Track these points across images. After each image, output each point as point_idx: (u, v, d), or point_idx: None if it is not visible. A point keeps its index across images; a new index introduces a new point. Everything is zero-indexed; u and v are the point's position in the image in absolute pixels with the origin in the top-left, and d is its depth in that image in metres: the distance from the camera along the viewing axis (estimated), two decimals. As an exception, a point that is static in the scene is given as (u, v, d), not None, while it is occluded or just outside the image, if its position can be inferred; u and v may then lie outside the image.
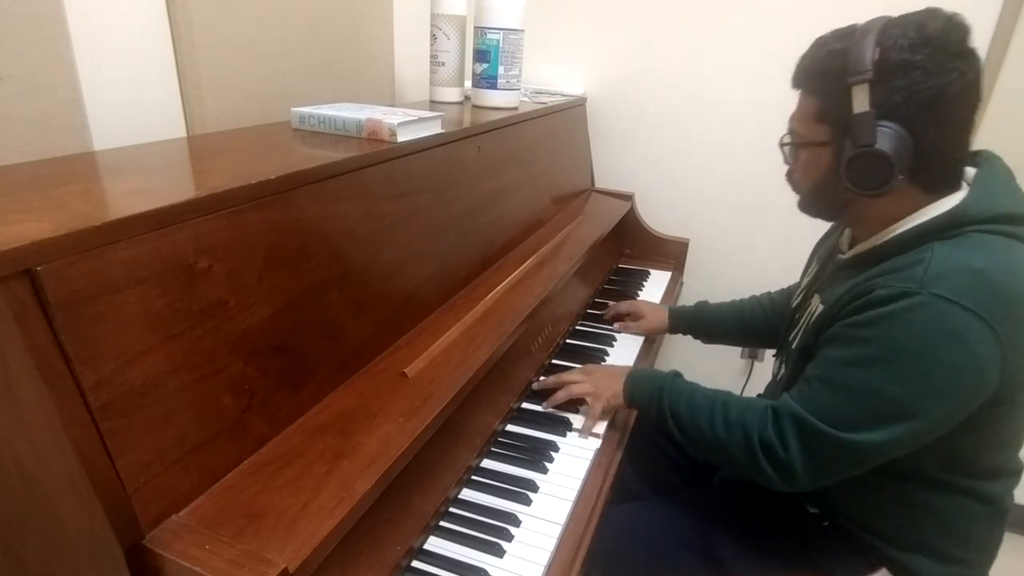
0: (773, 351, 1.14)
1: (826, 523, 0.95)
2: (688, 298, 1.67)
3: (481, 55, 1.40)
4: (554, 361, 1.26)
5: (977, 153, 0.85)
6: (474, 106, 1.44)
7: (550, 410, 1.10)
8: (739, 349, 1.91)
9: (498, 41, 1.37)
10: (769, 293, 1.31)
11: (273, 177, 0.69)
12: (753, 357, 1.91)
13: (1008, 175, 0.85)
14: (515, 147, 1.36)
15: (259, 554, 0.54)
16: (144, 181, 0.68)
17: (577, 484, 0.94)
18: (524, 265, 1.23)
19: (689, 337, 1.43)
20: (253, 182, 0.66)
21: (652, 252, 1.85)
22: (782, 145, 0.92)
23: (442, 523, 0.85)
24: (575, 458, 0.99)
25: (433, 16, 1.41)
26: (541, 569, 0.80)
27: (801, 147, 0.89)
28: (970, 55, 0.76)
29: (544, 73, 1.85)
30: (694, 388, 0.98)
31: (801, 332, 0.96)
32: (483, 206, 1.19)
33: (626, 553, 1.02)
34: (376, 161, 0.87)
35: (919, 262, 0.77)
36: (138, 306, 0.54)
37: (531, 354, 1.18)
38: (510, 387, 1.09)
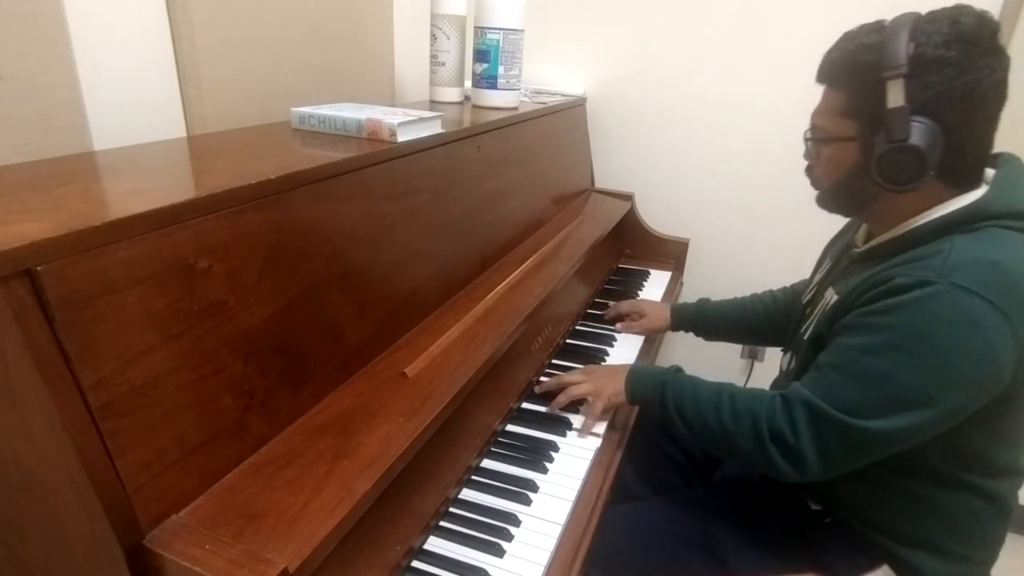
0: (776, 349, 1.14)
1: (828, 520, 0.95)
2: (688, 298, 1.67)
3: (481, 55, 1.40)
4: (554, 361, 1.26)
5: (997, 155, 0.86)
6: (474, 106, 1.44)
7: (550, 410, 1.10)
8: (739, 349, 1.92)
9: (498, 41, 1.37)
10: (772, 291, 1.31)
11: (273, 177, 0.69)
12: (753, 357, 1.91)
13: None
14: (515, 147, 1.36)
15: (259, 554, 0.54)
16: (144, 181, 0.68)
17: (577, 484, 0.94)
18: (524, 265, 1.23)
19: (690, 336, 1.43)
20: (253, 182, 0.66)
21: (652, 252, 1.85)
22: (806, 140, 0.92)
23: (442, 523, 0.85)
24: (575, 458, 0.99)
25: (433, 16, 1.41)
26: (541, 569, 0.80)
27: (825, 142, 0.88)
28: (1000, 52, 0.77)
29: (544, 73, 1.85)
30: (697, 381, 0.97)
31: (814, 323, 0.96)
32: (483, 206, 1.19)
33: (627, 552, 1.02)
34: (376, 161, 0.87)
35: (939, 252, 0.78)
36: (138, 306, 0.54)
37: (531, 354, 1.18)
38: (510, 387, 1.09)
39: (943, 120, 0.77)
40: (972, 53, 0.75)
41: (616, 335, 1.40)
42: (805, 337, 0.98)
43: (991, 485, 0.86)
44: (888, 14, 0.82)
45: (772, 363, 1.85)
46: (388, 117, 0.94)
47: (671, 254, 1.84)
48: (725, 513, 1.02)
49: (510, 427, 1.05)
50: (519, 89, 1.47)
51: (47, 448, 0.50)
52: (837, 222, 1.08)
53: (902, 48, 0.76)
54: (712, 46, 1.68)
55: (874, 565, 0.91)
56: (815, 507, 0.97)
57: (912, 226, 0.85)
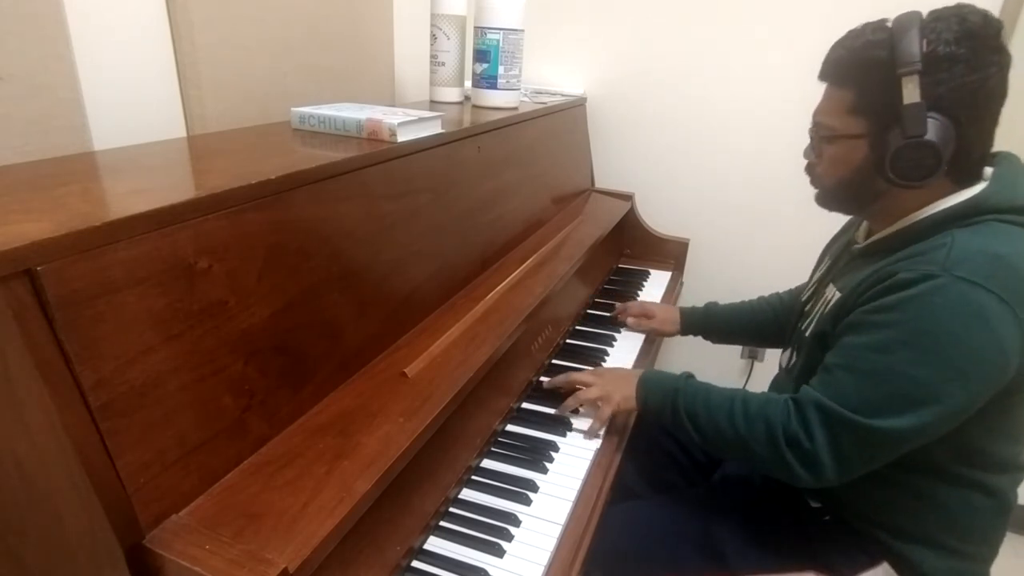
0: (777, 349, 1.14)
1: (828, 517, 0.95)
2: (688, 298, 1.68)
3: (481, 55, 1.40)
4: (554, 361, 1.26)
5: (995, 153, 0.86)
6: (474, 106, 1.44)
7: (550, 410, 1.09)
8: (739, 349, 1.91)
9: (498, 41, 1.37)
10: (778, 293, 1.31)
11: (273, 177, 0.69)
12: (753, 357, 1.91)
13: None
14: (515, 147, 1.36)
15: (259, 554, 0.54)
16: (144, 181, 0.68)
17: (577, 484, 0.94)
18: (524, 265, 1.23)
19: (689, 336, 1.43)
20: (253, 182, 0.66)
21: (652, 252, 1.85)
22: (812, 137, 0.92)
23: (442, 523, 0.85)
24: (575, 458, 0.99)
25: (433, 16, 1.41)
26: (541, 569, 0.80)
27: (831, 140, 0.88)
28: (1004, 50, 0.78)
29: (544, 73, 1.85)
30: (709, 388, 0.97)
31: (815, 319, 0.96)
32: (483, 206, 1.19)
33: (627, 551, 1.02)
34: (376, 161, 0.87)
35: (941, 246, 0.78)
36: (138, 306, 0.54)
37: (531, 354, 1.18)
38: (510, 387, 1.09)
39: (954, 116, 0.78)
40: (981, 50, 0.76)
41: (616, 335, 1.40)
42: (807, 334, 0.98)
43: (991, 481, 0.86)
44: (889, 14, 0.82)
45: (772, 363, 1.84)
46: (388, 117, 0.94)
47: (671, 254, 1.84)
48: (725, 512, 1.02)
49: (510, 427, 1.05)
50: (519, 89, 1.47)
51: (47, 448, 0.50)
52: (837, 222, 1.09)
53: (915, 45, 0.76)
54: (712, 46, 1.68)
55: (874, 562, 0.91)
56: (815, 505, 0.97)
57: (913, 220, 0.85)
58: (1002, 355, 0.75)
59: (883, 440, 0.79)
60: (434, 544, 0.82)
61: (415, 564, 0.78)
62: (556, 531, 0.85)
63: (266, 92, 1.24)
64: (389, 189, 0.90)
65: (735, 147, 1.74)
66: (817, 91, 0.90)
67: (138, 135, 0.93)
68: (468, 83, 1.49)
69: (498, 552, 0.81)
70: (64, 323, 0.48)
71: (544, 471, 0.96)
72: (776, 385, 1.11)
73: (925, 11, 0.80)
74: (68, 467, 0.50)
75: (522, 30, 1.40)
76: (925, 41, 0.77)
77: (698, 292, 1.85)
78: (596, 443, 1.03)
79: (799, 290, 1.26)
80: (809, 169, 0.95)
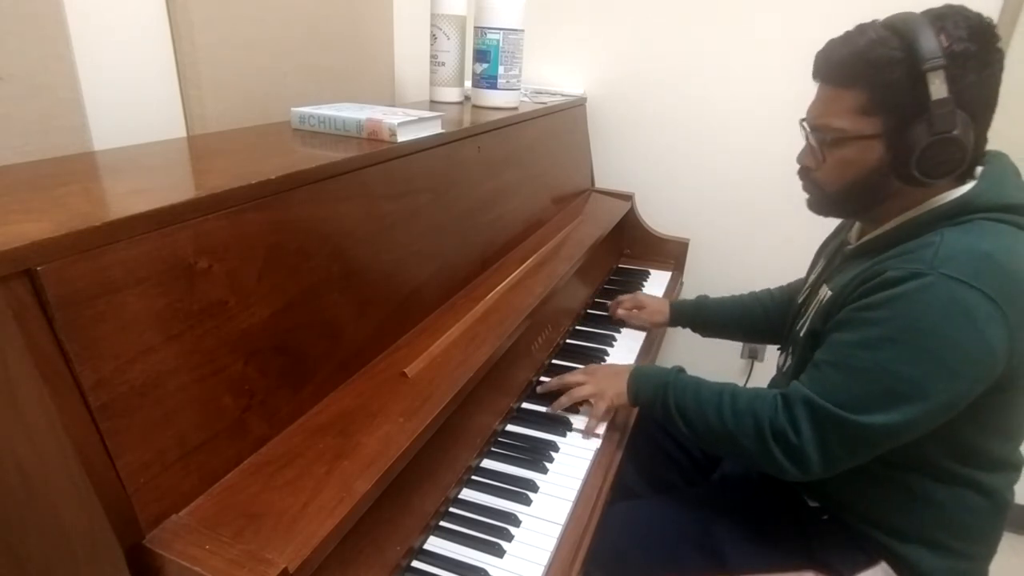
0: (776, 348, 1.14)
1: (826, 517, 0.95)
2: (688, 298, 1.67)
3: (481, 55, 1.40)
4: (554, 361, 1.26)
5: (984, 152, 0.87)
6: (474, 106, 1.44)
7: (550, 410, 1.10)
8: (739, 349, 1.92)
9: (498, 41, 1.37)
10: (769, 290, 1.31)
11: (273, 177, 0.69)
12: (753, 357, 1.91)
13: (1015, 171, 0.87)
14: (515, 147, 1.36)
15: (259, 554, 0.54)
16: (144, 181, 0.68)
17: (577, 484, 0.94)
18: (524, 265, 1.23)
19: (690, 336, 1.43)
20: (253, 182, 0.66)
21: (652, 252, 1.85)
22: (824, 143, 0.88)
23: (442, 523, 0.85)
24: (575, 458, 0.99)
25: (433, 16, 1.41)
26: (541, 569, 0.80)
27: (839, 143, 0.86)
28: (1000, 48, 0.79)
29: (544, 73, 1.85)
30: (699, 381, 0.97)
31: (809, 320, 0.97)
32: (483, 206, 1.19)
33: (627, 551, 1.02)
34: (376, 161, 0.87)
35: (929, 245, 0.79)
36: (138, 306, 0.54)
37: (531, 354, 1.18)
38: (510, 387, 1.09)
39: (972, 111, 0.78)
40: (990, 46, 0.77)
41: (616, 335, 1.40)
42: (801, 334, 0.98)
43: (987, 479, 0.87)
44: (887, 14, 0.82)
45: (772, 363, 1.84)
46: (388, 117, 0.94)
47: (671, 254, 1.84)
48: (725, 511, 1.02)
49: (510, 427, 1.05)
50: (519, 89, 1.47)
51: (47, 448, 0.50)
52: (836, 222, 1.09)
53: (934, 41, 0.76)
54: (712, 46, 1.68)
55: (872, 562, 0.91)
56: (813, 504, 0.97)
57: (903, 220, 0.86)
58: (989, 353, 0.75)
59: (869, 435, 0.79)
60: (434, 544, 0.82)
61: (415, 564, 0.79)
62: (556, 531, 0.85)
63: (266, 92, 1.24)
64: (389, 189, 0.90)
65: (735, 147, 1.74)
66: (815, 91, 0.89)
67: (138, 135, 0.93)
68: (468, 83, 1.49)
69: (498, 552, 0.81)
70: (64, 323, 0.48)
71: (544, 471, 0.96)
72: (773, 386, 1.11)
73: (918, 12, 0.80)
74: (68, 467, 0.50)
75: (522, 30, 1.40)
76: (943, 36, 0.76)
77: (698, 292, 1.84)
78: (596, 443, 1.03)
79: (791, 287, 1.27)
80: (804, 174, 0.93)
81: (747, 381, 1.94)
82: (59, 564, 0.58)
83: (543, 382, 1.14)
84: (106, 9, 0.95)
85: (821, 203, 0.93)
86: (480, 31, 1.38)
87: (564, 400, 1.07)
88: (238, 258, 0.64)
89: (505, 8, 1.36)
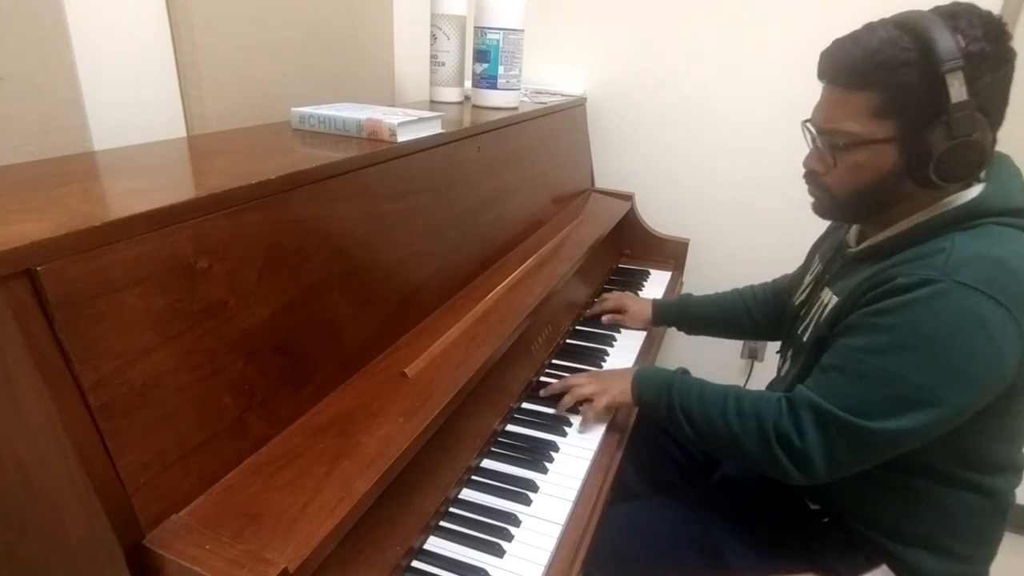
0: (776, 351, 1.14)
1: (827, 519, 0.95)
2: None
3: (481, 55, 1.40)
4: (554, 361, 1.26)
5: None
6: (474, 106, 1.44)
7: (550, 410, 1.10)
8: (739, 349, 1.92)
9: (498, 41, 1.37)
10: (752, 287, 1.32)
11: (273, 177, 0.69)
12: (753, 357, 1.91)
13: (1019, 173, 0.86)
14: (515, 147, 1.36)
15: (259, 554, 0.54)
16: (144, 181, 0.68)
17: (577, 484, 0.94)
18: (524, 265, 1.23)
19: (690, 337, 1.43)
20: (253, 182, 0.66)
21: (652, 252, 1.85)
22: (834, 147, 0.86)
23: (442, 523, 0.85)
24: (575, 458, 0.99)
25: (433, 16, 1.41)
26: (541, 569, 0.80)
27: (851, 148, 0.83)
28: (1011, 45, 0.78)
29: (544, 73, 1.85)
30: (703, 383, 0.97)
31: (812, 324, 0.96)
32: (483, 206, 1.19)
33: (627, 551, 1.02)
34: (376, 161, 0.87)
35: (940, 251, 0.77)
36: (138, 306, 0.54)
37: (531, 354, 1.18)
38: (510, 387, 1.09)
39: (988, 112, 0.77)
40: (1003, 45, 0.76)
41: (616, 335, 1.40)
42: (804, 339, 0.97)
43: (989, 482, 0.86)
44: (888, 14, 0.82)
45: (772, 363, 1.84)
46: (388, 117, 0.94)
47: (671, 254, 1.84)
48: (725, 512, 1.02)
49: (510, 427, 1.05)
50: (519, 89, 1.47)
51: (47, 448, 0.50)
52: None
53: (950, 42, 0.74)
54: (712, 46, 1.68)
55: (873, 564, 0.91)
56: (814, 506, 0.97)
57: (910, 224, 0.85)
58: (1001, 360, 0.75)
59: (877, 441, 0.79)
60: (434, 544, 0.82)
61: (415, 564, 0.78)
62: (556, 531, 0.85)
63: (266, 92, 1.24)
64: (389, 189, 0.90)
65: (735, 147, 1.74)
66: (817, 90, 0.88)
67: (138, 135, 0.93)
68: (468, 83, 1.49)
69: (498, 552, 0.81)
70: (64, 323, 0.48)
71: (544, 471, 0.96)
72: (772, 389, 1.11)
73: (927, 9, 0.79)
74: (68, 467, 0.50)
75: (522, 30, 1.40)
76: (960, 36, 0.74)
77: (698, 292, 1.85)
78: (596, 443, 1.03)
79: (777, 284, 1.27)
80: (812, 179, 0.91)
81: (747, 381, 1.94)
82: (59, 564, 0.58)
83: (544, 383, 1.14)
84: (106, 9, 0.95)
85: (830, 208, 0.91)
86: (480, 31, 1.38)
87: (568, 400, 1.07)
88: (238, 258, 0.64)
89: (505, 8, 1.36)
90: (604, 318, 1.43)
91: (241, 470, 0.64)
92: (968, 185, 0.83)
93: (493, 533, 0.84)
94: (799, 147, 0.95)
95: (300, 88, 1.33)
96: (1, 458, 0.54)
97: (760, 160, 1.72)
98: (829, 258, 1.02)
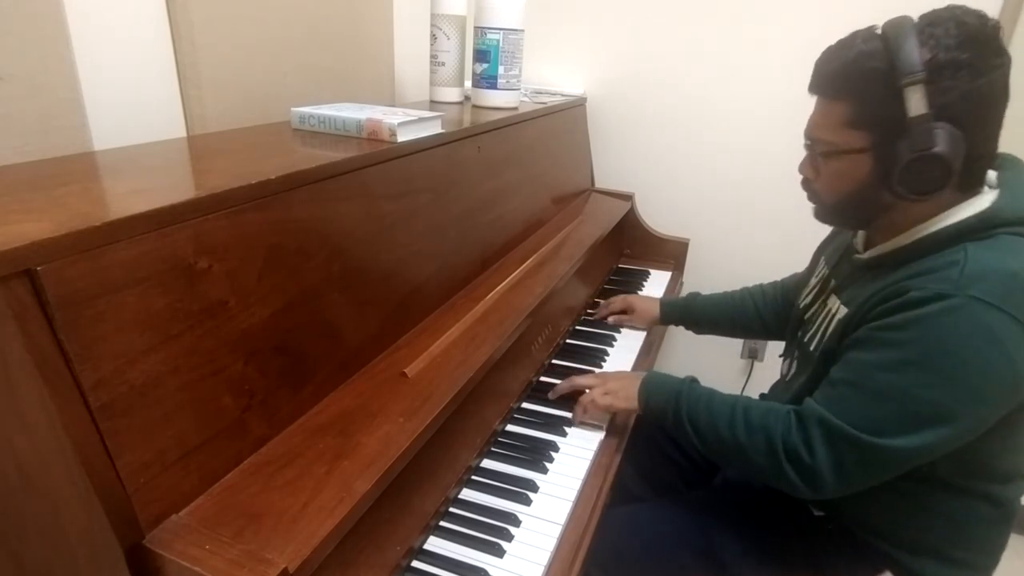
0: (777, 350, 1.13)
1: (831, 526, 0.95)
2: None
3: (481, 55, 1.40)
4: (554, 361, 1.26)
5: (997, 155, 0.84)
6: (474, 106, 1.44)
7: (551, 410, 1.09)
8: (739, 349, 1.92)
9: (498, 41, 1.37)
10: (761, 285, 1.31)
11: (273, 177, 0.69)
12: (753, 357, 1.91)
13: None
14: (515, 147, 1.36)
15: (259, 554, 0.54)
16: (144, 181, 0.68)
17: (577, 484, 0.94)
18: (524, 265, 1.23)
19: (691, 337, 1.43)
20: (253, 182, 0.66)
21: (652, 252, 1.85)
22: (818, 155, 0.87)
23: (442, 523, 0.85)
24: (575, 458, 0.99)
25: (433, 16, 1.41)
26: (541, 569, 0.80)
27: (829, 156, 0.84)
28: (1005, 51, 0.75)
29: (544, 73, 1.85)
30: (712, 393, 0.96)
31: (820, 334, 0.95)
32: (483, 206, 1.19)
33: (627, 554, 1.02)
34: (376, 161, 0.87)
35: (953, 263, 0.75)
36: (138, 306, 0.54)
37: (531, 354, 1.18)
38: (510, 387, 1.09)
39: (962, 124, 0.75)
40: (985, 54, 0.73)
41: (616, 335, 1.40)
42: (811, 348, 0.96)
43: (996, 491, 0.85)
44: (888, 15, 0.82)
45: (772, 363, 1.85)
46: (388, 117, 0.94)
47: (671, 254, 1.84)
48: (727, 517, 1.01)
49: (510, 427, 1.05)
50: (519, 89, 1.47)
51: (47, 448, 0.50)
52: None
53: (915, 53, 0.73)
54: (712, 46, 1.68)
55: (876, 571, 0.91)
56: (818, 513, 0.96)
57: (921, 234, 0.82)
58: (1017, 378, 0.74)
59: (888, 458, 0.77)
60: (434, 544, 0.82)
61: (415, 564, 0.78)
62: (556, 531, 0.85)
63: (266, 92, 1.24)
64: (389, 189, 0.90)
65: (735, 147, 1.74)
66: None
67: (138, 135, 0.93)
68: (468, 83, 1.49)
69: (498, 552, 0.81)
70: (64, 323, 0.48)
71: (544, 471, 0.96)
72: (775, 393, 1.11)
73: (923, 12, 0.78)
74: (68, 467, 0.50)
75: (522, 30, 1.40)
76: (926, 48, 0.74)
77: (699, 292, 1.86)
78: (596, 443, 1.03)
79: (785, 284, 1.27)
80: (806, 185, 0.92)
81: (747, 381, 1.94)
82: (59, 564, 0.58)
83: (545, 383, 1.14)
84: (106, 9, 0.95)
85: (823, 213, 0.92)
86: (480, 31, 1.38)
87: (579, 413, 1.06)
88: (238, 258, 0.64)
89: (505, 8, 1.36)
90: (611, 319, 1.43)
91: (241, 470, 0.64)
92: (977, 190, 0.81)
93: (493, 533, 0.84)
94: (799, 147, 0.95)
95: (300, 88, 1.33)
96: (1, 458, 0.54)
97: (760, 160, 1.72)
98: (836, 262, 1.01)
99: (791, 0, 1.58)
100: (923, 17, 0.77)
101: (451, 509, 0.87)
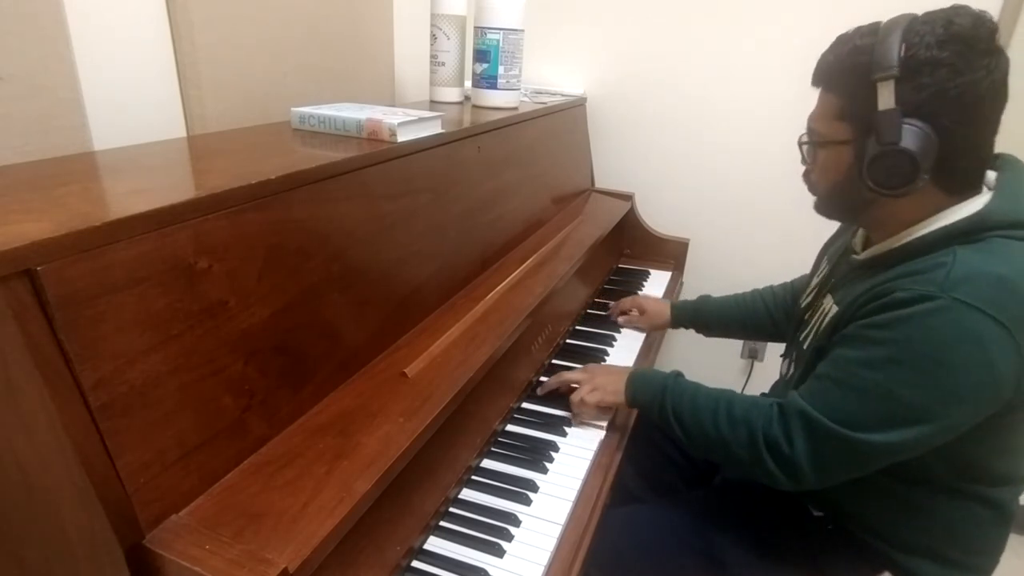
0: (779, 353, 1.13)
1: (830, 526, 0.95)
2: (688, 298, 1.67)
3: (481, 55, 1.40)
4: (554, 361, 1.26)
5: (997, 156, 0.84)
6: (474, 106, 1.44)
7: (551, 410, 1.09)
8: (739, 349, 1.92)
9: (498, 41, 1.37)
10: (771, 287, 1.31)
11: (273, 177, 0.69)
12: (753, 357, 1.91)
13: None
14: (515, 147, 1.36)
15: (259, 554, 0.54)
16: (144, 181, 0.68)
17: (577, 484, 0.94)
18: (524, 265, 1.23)
19: (690, 337, 1.43)
20: (253, 182, 0.66)
21: (652, 252, 1.85)
22: (801, 144, 0.91)
23: (442, 523, 0.85)
24: (575, 458, 0.99)
25: (433, 16, 1.41)
26: (541, 569, 0.80)
27: (820, 146, 0.87)
28: (998, 53, 0.75)
29: (544, 73, 1.85)
30: (697, 387, 0.97)
31: (813, 333, 0.96)
32: (483, 206, 1.19)
33: (627, 555, 1.02)
34: (376, 161, 0.87)
35: (941, 265, 0.76)
36: (138, 306, 0.54)
37: (531, 354, 1.18)
38: (510, 387, 1.09)
39: (937, 123, 0.75)
40: (968, 54, 0.73)
41: (616, 335, 1.40)
42: (805, 346, 0.97)
43: (993, 493, 0.86)
44: (887, 15, 0.82)
45: (772, 363, 1.85)
46: (388, 117, 0.94)
47: (671, 254, 1.84)
48: (726, 516, 1.02)
49: (510, 427, 1.05)
50: (519, 89, 1.47)
51: (47, 448, 0.50)
52: (837, 223, 1.08)
53: (894, 50, 0.74)
54: (712, 46, 1.68)
55: (876, 572, 0.91)
56: (817, 513, 0.96)
57: (913, 236, 0.83)
58: (997, 380, 0.74)
59: (866, 453, 0.78)
60: (434, 544, 0.82)
61: (415, 564, 0.79)
62: (556, 531, 0.85)
63: (266, 92, 1.24)
64: (389, 189, 0.90)
65: (735, 147, 1.74)
66: (815, 93, 0.89)
67: (138, 135, 0.93)
68: (468, 83, 1.49)
69: (498, 552, 0.81)
70: (64, 323, 0.48)
71: (544, 471, 0.96)
72: (775, 393, 1.11)
73: (923, 11, 0.78)
74: (68, 467, 0.50)
75: (522, 30, 1.40)
76: (905, 45, 0.74)
77: (698, 292, 1.84)
78: (596, 443, 1.03)
79: (794, 285, 1.26)
80: (805, 176, 0.93)
81: (747, 381, 1.94)
82: (59, 564, 0.58)
83: (543, 382, 1.14)
84: (106, 9, 0.95)
85: (819, 204, 0.93)
86: (480, 31, 1.38)
87: (552, 382, 1.08)
88: (238, 258, 0.64)
89: (505, 8, 1.36)
90: (621, 319, 1.43)
91: (241, 470, 0.64)
92: (973, 190, 0.81)
93: (493, 533, 0.84)
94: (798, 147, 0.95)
95: (300, 88, 1.33)
96: (1, 458, 0.54)
97: (760, 160, 1.72)
98: (835, 262, 1.02)
99: (791, 0, 1.58)
100: (923, 14, 0.77)
101: (451, 509, 0.87)
